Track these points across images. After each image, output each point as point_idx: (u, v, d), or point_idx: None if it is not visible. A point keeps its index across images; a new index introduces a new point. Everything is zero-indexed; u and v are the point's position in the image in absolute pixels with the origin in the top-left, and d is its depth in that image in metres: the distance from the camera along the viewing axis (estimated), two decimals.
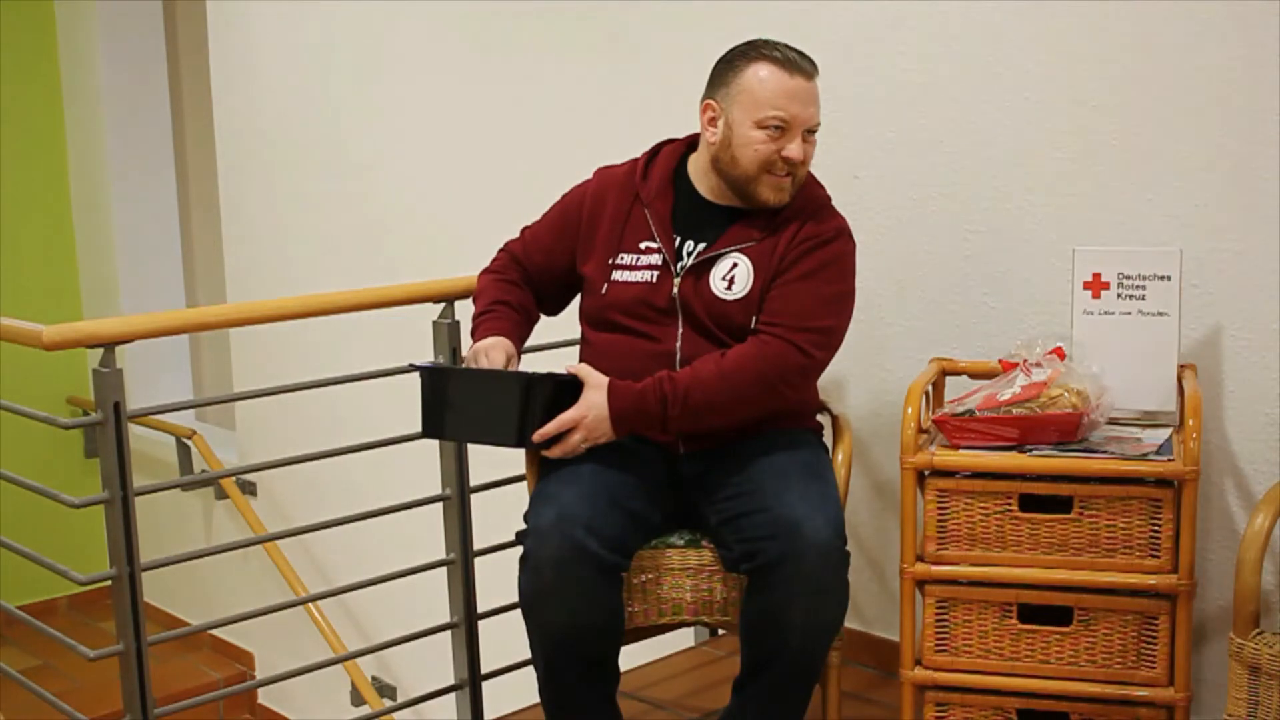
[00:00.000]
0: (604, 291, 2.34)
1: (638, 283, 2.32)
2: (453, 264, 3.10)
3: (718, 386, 2.20)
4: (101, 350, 2.36)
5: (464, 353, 2.38)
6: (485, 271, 2.52)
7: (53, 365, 5.19)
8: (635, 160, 2.43)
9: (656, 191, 2.36)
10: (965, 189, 2.67)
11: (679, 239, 2.33)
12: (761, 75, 2.25)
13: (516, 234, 2.54)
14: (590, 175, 2.48)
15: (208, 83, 4.78)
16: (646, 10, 3.19)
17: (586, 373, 2.23)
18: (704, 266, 2.30)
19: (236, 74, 4.60)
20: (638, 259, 2.33)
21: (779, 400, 2.27)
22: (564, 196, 2.49)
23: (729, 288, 2.28)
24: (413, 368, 2.29)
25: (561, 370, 2.24)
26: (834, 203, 2.39)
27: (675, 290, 2.29)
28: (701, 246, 2.32)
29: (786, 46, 2.28)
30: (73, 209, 5.78)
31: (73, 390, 5.74)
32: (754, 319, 2.27)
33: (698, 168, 2.38)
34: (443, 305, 2.76)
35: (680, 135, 2.45)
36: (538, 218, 2.51)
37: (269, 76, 4.47)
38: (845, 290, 2.34)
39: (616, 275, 2.34)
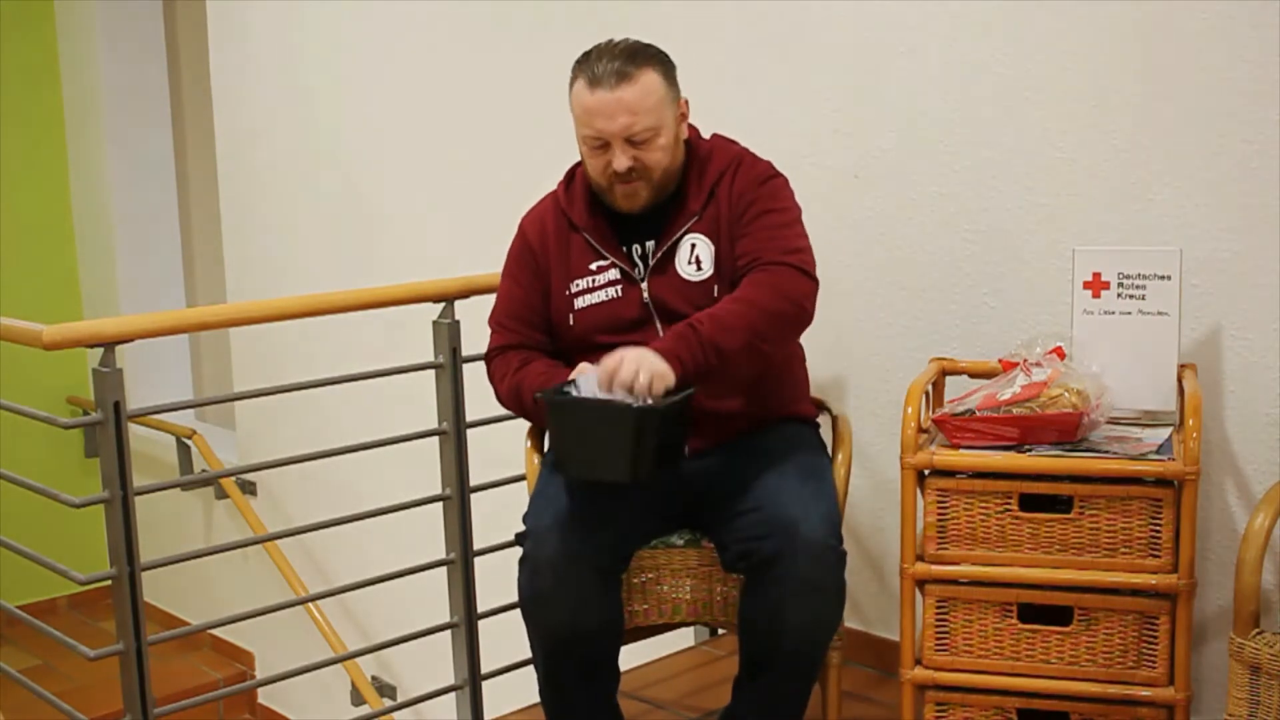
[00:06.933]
0: (572, 323, 2.32)
1: (604, 302, 2.31)
2: (452, 264, 3.10)
3: (740, 310, 2.14)
4: (101, 350, 2.36)
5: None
6: (500, 382, 2.37)
7: (53, 365, 5.18)
8: (553, 193, 2.43)
9: (586, 211, 2.36)
10: (965, 189, 2.67)
11: (625, 248, 2.33)
12: (576, 93, 2.26)
13: (490, 329, 2.44)
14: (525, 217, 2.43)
15: (208, 83, 4.78)
16: (646, 8, 3.19)
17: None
18: (665, 261, 2.31)
19: (236, 74, 4.60)
20: (593, 280, 2.33)
21: (798, 327, 2.24)
22: (508, 256, 2.44)
23: (699, 268, 2.29)
24: (542, 398, 2.13)
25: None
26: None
27: (646, 295, 2.30)
28: (652, 244, 2.32)
29: (607, 52, 2.24)
30: (73, 209, 5.79)
31: (73, 390, 5.74)
32: (731, 285, 2.25)
33: None
34: (443, 305, 2.76)
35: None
36: (494, 304, 2.44)
37: (269, 77, 4.47)
38: (798, 214, 2.33)
39: (579, 303, 2.33)
